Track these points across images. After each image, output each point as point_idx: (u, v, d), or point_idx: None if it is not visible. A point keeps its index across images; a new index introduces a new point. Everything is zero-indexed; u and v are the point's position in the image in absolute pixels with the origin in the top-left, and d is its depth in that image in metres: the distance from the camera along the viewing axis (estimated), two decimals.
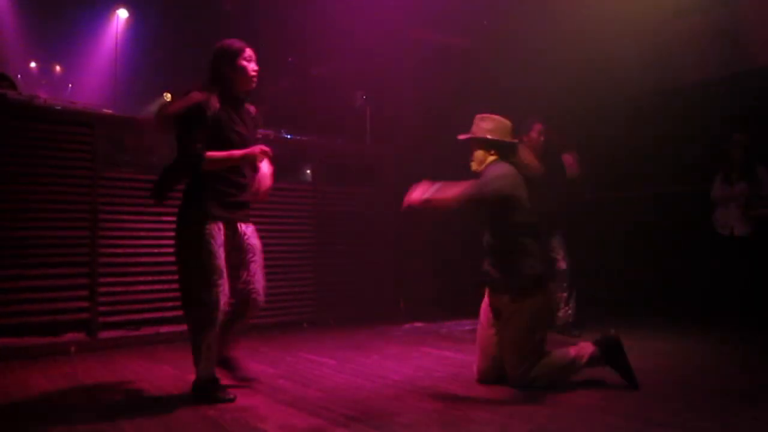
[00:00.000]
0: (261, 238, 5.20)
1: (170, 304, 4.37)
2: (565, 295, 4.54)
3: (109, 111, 4.89)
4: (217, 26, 8.52)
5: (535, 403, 2.66)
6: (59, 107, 4.38)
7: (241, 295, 2.86)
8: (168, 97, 8.42)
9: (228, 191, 2.81)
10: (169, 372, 3.39)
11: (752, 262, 4.84)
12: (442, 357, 3.84)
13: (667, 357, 3.71)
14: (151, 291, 4.42)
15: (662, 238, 5.76)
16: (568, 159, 4.60)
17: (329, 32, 7.08)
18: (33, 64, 9.76)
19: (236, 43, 2.87)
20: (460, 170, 6.13)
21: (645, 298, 5.70)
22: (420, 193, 2.96)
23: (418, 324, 5.22)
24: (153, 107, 8.49)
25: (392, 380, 3.17)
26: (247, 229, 2.91)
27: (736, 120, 5.21)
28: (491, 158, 3.12)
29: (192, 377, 3.25)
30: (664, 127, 5.76)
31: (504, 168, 3.05)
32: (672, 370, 3.35)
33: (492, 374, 3.02)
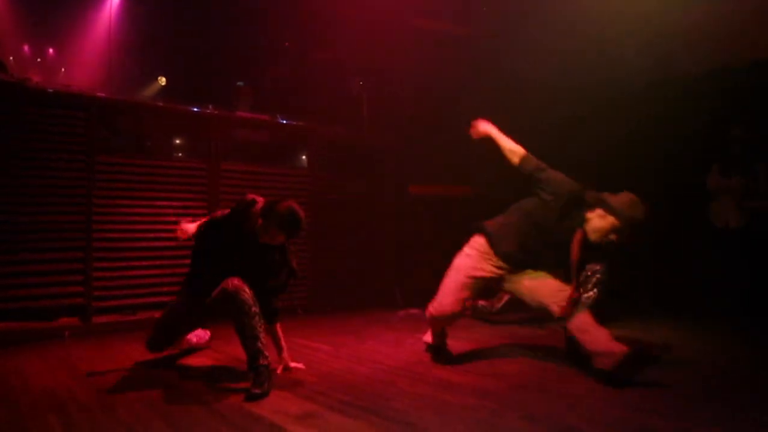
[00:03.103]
0: None
1: (165, 288, 4.36)
2: None
3: (103, 94, 4.84)
4: (214, 9, 8.43)
5: (529, 391, 2.68)
6: (52, 90, 4.33)
7: None
8: (162, 80, 8.33)
9: None
10: (164, 357, 3.39)
11: (746, 254, 4.86)
12: None
13: (663, 348, 3.73)
14: (146, 276, 4.41)
15: (656, 229, 5.77)
16: None
17: (327, 18, 7.01)
18: (26, 47, 9.64)
19: None
20: (456, 159, 6.15)
21: (640, 290, 5.73)
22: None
23: (414, 311, 5.23)
24: (148, 91, 8.43)
25: (387, 366, 3.18)
26: None
27: (733, 113, 5.21)
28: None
29: (187, 361, 3.26)
30: (659, 118, 5.75)
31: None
32: (667, 361, 3.37)
33: None
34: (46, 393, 2.66)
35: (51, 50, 9.49)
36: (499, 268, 3.16)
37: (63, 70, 8.27)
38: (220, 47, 8.33)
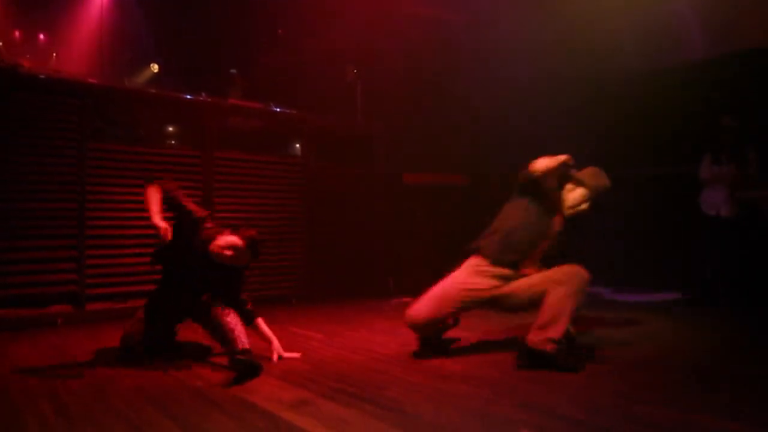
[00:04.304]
0: (249, 211, 5.19)
1: (157, 276, 4.35)
2: None
3: (96, 81, 4.80)
4: None
5: (522, 380, 2.70)
6: (44, 77, 4.29)
7: None
8: (155, 67, 8.25)
9: None
10: (156, 344, 3.38)
11: (737, 243, 4.89)
12: None
13: (651, 337, 3.76)
14: (139, 264, 4.40)
15: (648, 217, 5.80)
16: None
17: (320, 5, 6.96)
18: (16, 32, 9.50)
19: None
20: (449, 149, 6.14)
21: (629, 278, 5.76)
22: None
23: (407, 299, 5.24)
24: (140, 77, 8.34)
25: (380, 354, 3.20)
26: None
27: (725, 103, 5.21)
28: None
29: (178, 348, 3.26)
30: (652, 108, 5.75)
31: None
32: (656, 349, 3.40)
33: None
34: (39, 380, 2.66)
35: (42, 36, 9.37)
36: (494, 278, 3.13)
37: (54, 55, 8.17)
38: (214, 34, 8.25)
